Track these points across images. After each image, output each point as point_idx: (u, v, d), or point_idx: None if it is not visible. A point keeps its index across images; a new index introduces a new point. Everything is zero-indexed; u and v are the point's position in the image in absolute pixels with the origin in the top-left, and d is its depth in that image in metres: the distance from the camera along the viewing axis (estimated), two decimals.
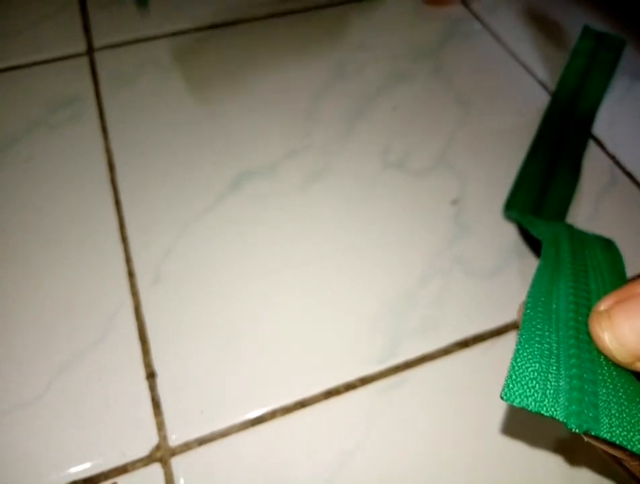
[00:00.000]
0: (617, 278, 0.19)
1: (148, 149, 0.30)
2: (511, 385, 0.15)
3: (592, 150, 0.31)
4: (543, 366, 0.15)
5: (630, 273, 0.26)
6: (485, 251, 0.27)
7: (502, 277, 0.26)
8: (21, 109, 0.32)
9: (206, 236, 0.27)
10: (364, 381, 0.23)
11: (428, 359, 0.24)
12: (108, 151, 0.30)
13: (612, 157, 0.31)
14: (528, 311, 0.17)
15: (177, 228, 0.27)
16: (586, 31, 0.36)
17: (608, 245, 0.23)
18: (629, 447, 0.14)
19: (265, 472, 0.21)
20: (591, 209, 0.29)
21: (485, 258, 0.27)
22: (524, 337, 0.16)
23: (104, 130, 0.31)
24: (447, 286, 0.26)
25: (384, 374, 0.23)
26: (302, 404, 0.22)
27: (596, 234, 0.24)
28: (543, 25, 0.38)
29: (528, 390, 0.15)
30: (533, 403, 0.15)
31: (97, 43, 0.35)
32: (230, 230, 0.27)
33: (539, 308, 0.17)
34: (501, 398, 0.15)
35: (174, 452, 0.21)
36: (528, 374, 0.15)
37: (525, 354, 0.15)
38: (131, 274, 0.25)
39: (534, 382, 0.15)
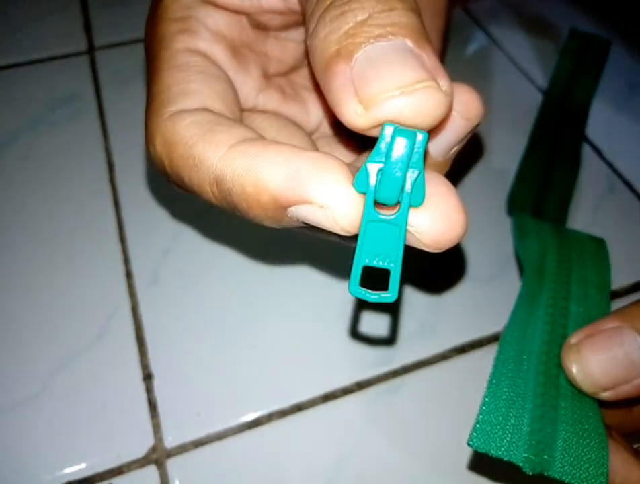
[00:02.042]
0: (601, 293, 0.21)
1: None
2: (476, 432, 0.17)
3: (590, 158, 0.31)
4: (508, 411, 0.17)
5: (629, 280, 0.27)
6: (483, 256, 0.27)
7: (500, 282, 0.26)
8: (20, 107, 0.31)
9: (205, 237, 0.27)
10: (361, 385, 0.23)
11: (425, 365, 0.24)
12: (108, 150, 0.30)
13: (610, 165, 0.31)
14: (501, 350, 0.19)
15: (176, 229, 0.27)
16: (573, 32, 0.37)
17: (598, 249, 0.24)
18: (575, 483, 0.16)
19: (261, 475, 0.21)
20: (589, 217, 0.29)
21: (484, 263, 0.27)
22: (493, 382, 0.18)
23: (104, 129, 0.31)
24: (445, 291, 0.26)
25: (381, 378, 0.23)
26: (299, 407, 0.22)
27: (589, 236, 0.24)
28: (544, 32, 0.38)
29: (491, 437, 0.17)
30: (495, 449, 0.17)
31: (97, 42, 0.35)
32: (229, 232, 0.27)
33: (513, 346, 0.19)
34: (468, 444, 0.17)
35: (170, 453, 0.21)
36: (492, 421, 0.17)
37: (491, 402, 0.17)
38: (129, 275, 0.25)
39: (497, 428, 0.17)
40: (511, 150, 0.31)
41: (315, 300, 0.25)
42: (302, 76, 0.20)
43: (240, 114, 0.17)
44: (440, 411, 0.23)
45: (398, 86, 0.12)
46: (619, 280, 0.26)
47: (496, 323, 0.25)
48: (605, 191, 0.30)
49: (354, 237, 0.13)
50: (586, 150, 0.32)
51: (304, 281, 0.26)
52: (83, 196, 0.28)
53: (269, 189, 0.13)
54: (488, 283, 0.26)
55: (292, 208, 0.13)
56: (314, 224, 0.13)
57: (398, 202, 0.13)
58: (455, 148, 0.16)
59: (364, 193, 0.13)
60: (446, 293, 0.26)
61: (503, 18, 0.39)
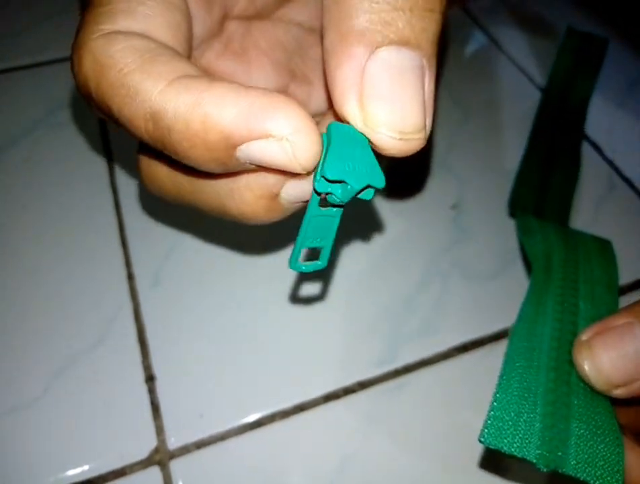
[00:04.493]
0: (608, 292, 0.21)
1: None
2: (488, 429, 0.16)
3: (590, 156, 0.31)
4: (520, 407, 0.17)
5: (630, 278, 0.27)
6: (484, 255, 0.27)
7: (502, 281, 0.26)
8: (21, 110, 0.31)
9: (207, 239, 0.27)
10: (363, 385, 0.23)
11: (427, 364, 0.24)
12: (108, 152, 0.30)
13: (611, 163, 0.31)
14: (511, 346, 0.19)
15: (177, 231, 0.27)
16: (570, 31, 0.37)
17: (604, 249, 0.23)
18: (591, 481, 0.16)
19: (264, 476, 0.21)
20: (590, 215, 0.29)
21: (485, 262, 0.27)
22: (503, 378, 0.18)
23: (104, 131, 0.31)
24: (446, 290, 0.26)
25: (383, 378, 0.23)
26: (301, 408, 0.22)
27: (594, 237, 0.24)
28: (542, 31, 0.38)
29: (503, 433, 0.16)
30: (507, 446, 0.16)
31: None
32: (230, 234, 0.27)
33: (523, 343, 0.19)
34: (479, 441, 0.16)
35: (173, 455, 0.21)
36: (504, 417, 0.17)
37: (503, 398, 0.17)
38: (130, 277, 0.25)
39: (509, 424, 0.17)
40: (512, 149, 0.31)
41: (316, 301, 0.25)
42: (261, 32, 0.19)
43: (190, 53, 0.16)
44: (442, 410, 0.23)
45: (400, 130, 0.13)
46: (621, 278, 0.26)
47: (498, 321, 0.25)
48: (605, 189, 0.30)
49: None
50: (586, 148, 0.32)
51: (306, 283, 0.26)
52: (84, 199, 0.28)
53: (220, 125, 0.12)
54: (490, 281, 0.26)
55: (243, 147, 0.12)
56: (265, 163, 0.13)
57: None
58: None
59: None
60: (447, 291, 0.26)
61: (502, 17, 0.39)
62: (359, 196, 0.14)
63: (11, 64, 0.34)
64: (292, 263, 0.15)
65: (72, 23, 0.36)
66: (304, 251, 0.15)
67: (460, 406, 0.23)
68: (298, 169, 0.13)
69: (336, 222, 0.15)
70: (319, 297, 0.25)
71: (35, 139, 0.30)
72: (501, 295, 0.26)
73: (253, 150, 0.12)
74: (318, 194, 0.14)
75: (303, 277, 0.26)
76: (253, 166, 0.13)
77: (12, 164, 0.29)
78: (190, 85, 0.12)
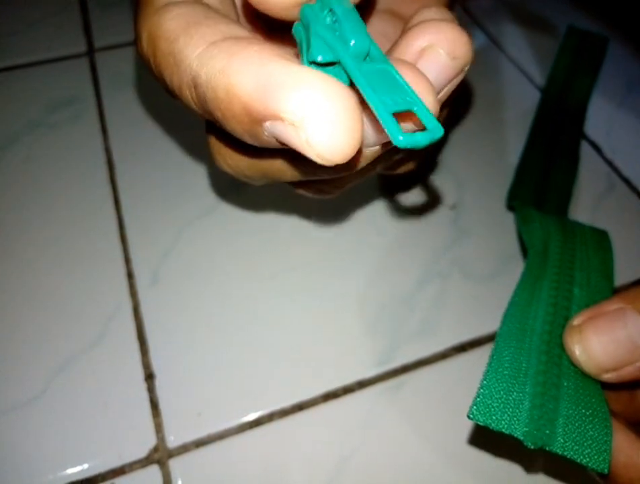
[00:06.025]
0: (603, 280, 0.21)
1: (148, 150, 0.30)
2: (476, 405, 0.17)
3: (589, 156, 0.31)
4: (509, 385, 0.17)
5: (628, 277, 0.27)
6: (484, 255, 0.27)
7: (501, 281, 0.26)
8: (20, 109, 0.31)
9: (206, 237, 0.27)
10: (362, 384, 0.23)
11: (426, 363, 0.24)
12: (108, 151, 0.30)
13: (610, 163, 0.31)
14: (504, 327, 0.19)
15: (177, 229, 0.27)
16: (571, 30, 0.37)
17: (601, 239, 0.24)
18: (578, 460, 0.16)
19: (263, 475, 0.21)
20: (589, 215, 0.29)
21: (484, 262, 0.27)
22: (494, 357, 0.18)
23: (104, 130, 0.31)
24: (446, 290, 0.26)
25: (382, 377, 0.23)
26: (300, 407, 0.22)
27: (592, 228, 0.25)
28: (542, 30, 0.38)
29: (492, 410, 0.17)
30: (495, 423, 0.16)
31: (97, 43, 0.35)
32: (229, 232, 0.27)
33: (516, 325, 0.19)
34: (468, 417, 0.17)
35: (172, 453, 0.21)
36: (493, 394, 0.17)
37: (493, 376, 0.17)
38: (130, 275, 0.25)
39: (499, 402, 0.17)
40: (511, 149, 0.31)
41: (315, 301, 0.25)
42: None
43: (236, 14, 0.15)
44: (441, 410, 0.23)
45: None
46: (620, 277, 0.26)
47: (497, 321, 0.25)
48: (604, 189, 0.30)
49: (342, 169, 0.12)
50: (585, 148, 0.32)
51: (304, 281, 0.26)
52: (84, 197, 0.28)
53: (240, 96, 0.11)
54: (489, 281, 0.26)
55: (267, 124, 0.11)
56: (290, 146, 0.11)
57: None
58: (445, 91, 0.15)
59: (332, 63, 0.12)
60: (446, 291, 0.26)
61: (501, 17, 0.39)
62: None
63: (10, 63, 0.34)
64: (397, 137, 0.11)
65: (71, 22, 0.36)
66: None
67: (458, 406, 0.23)
68: (318, 161, 0.11)
69: (394, 71, 0.12)
70: (318, 296, 0.25)
71: (34, 138, 0.30)
72: (500, 295, 0.26)
73: (274, 130, 0.11)
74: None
75: (301, 276, 0.26)
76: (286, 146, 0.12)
77: (11, 163, 0.29)
78: (226, 47, 0.11)
